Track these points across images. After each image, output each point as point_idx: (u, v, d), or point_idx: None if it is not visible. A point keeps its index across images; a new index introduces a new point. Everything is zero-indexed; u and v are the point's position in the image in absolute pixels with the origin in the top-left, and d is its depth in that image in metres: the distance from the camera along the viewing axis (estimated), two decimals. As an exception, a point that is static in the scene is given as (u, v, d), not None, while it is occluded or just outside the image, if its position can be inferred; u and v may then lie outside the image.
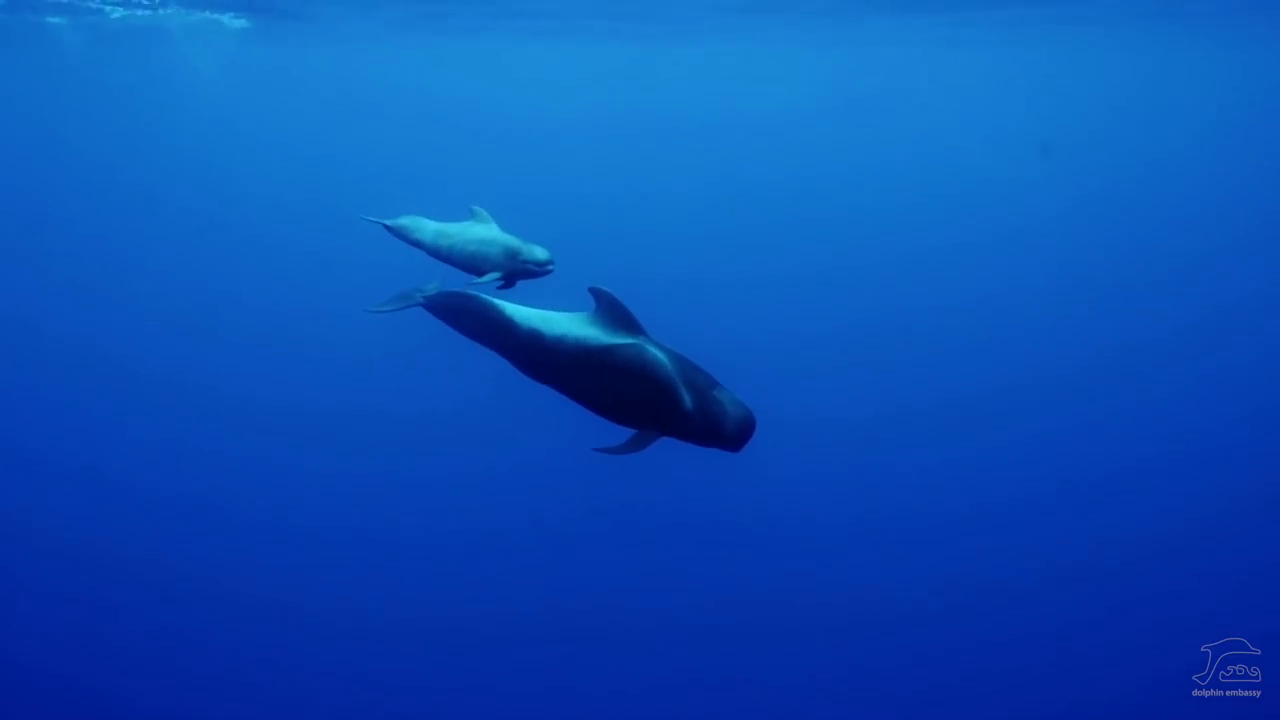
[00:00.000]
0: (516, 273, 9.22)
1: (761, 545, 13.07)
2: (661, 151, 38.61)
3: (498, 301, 7.43)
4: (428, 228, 9.98)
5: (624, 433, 6.77)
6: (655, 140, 40.76)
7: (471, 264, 9.43)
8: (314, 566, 12.73)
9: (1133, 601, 12.81)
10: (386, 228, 10.33)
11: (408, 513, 13.60)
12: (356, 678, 11.61)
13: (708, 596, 12.29)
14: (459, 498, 13.74)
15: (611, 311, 6.88)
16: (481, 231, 9.60)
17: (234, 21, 23.35)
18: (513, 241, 9.30)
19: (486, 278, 9.18)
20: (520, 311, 7.28)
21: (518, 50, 30.60)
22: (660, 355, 6.66)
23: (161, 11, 21.62)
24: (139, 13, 21.60)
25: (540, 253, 9.17)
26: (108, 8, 21.02)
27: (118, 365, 17.46)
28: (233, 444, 15.12)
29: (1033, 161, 36.15)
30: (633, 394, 6.63)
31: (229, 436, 15.29)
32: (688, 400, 6.48)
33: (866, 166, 38.01)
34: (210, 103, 41.79)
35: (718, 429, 6.45)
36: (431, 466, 14.32)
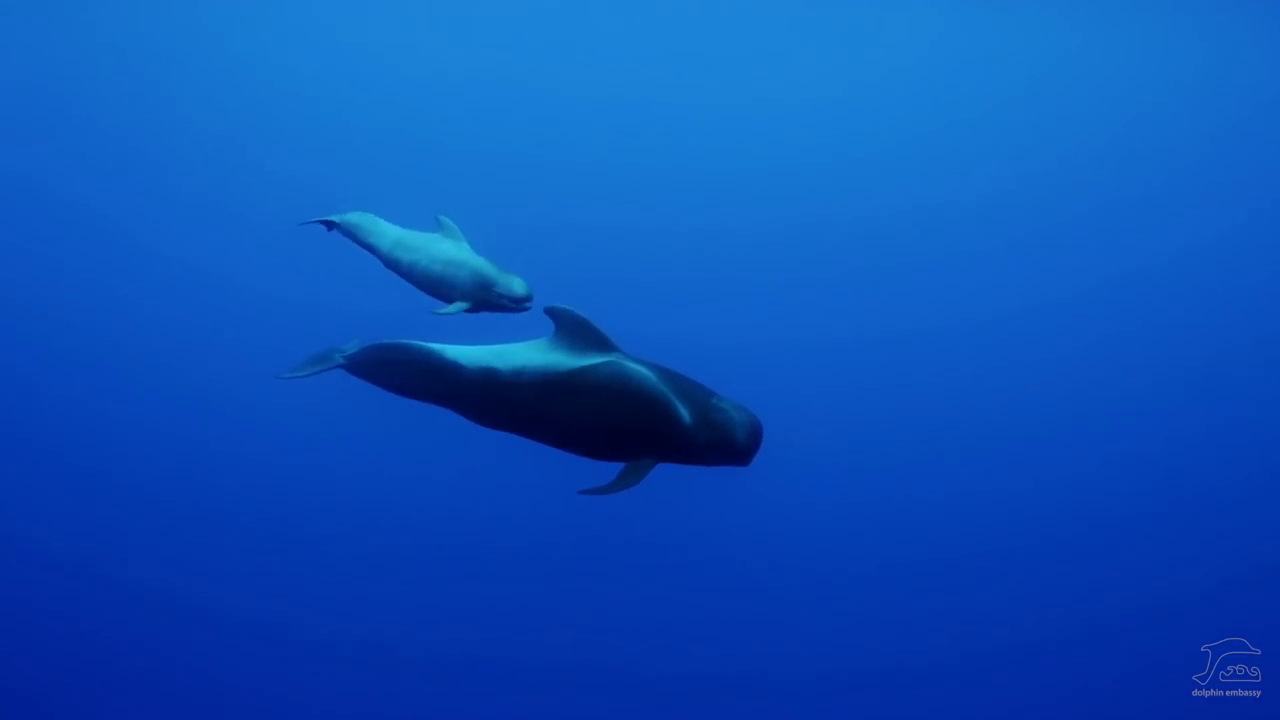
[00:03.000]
0: (487, 304, 8.08)
1: (796, 582, 11.71)
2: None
3: (434, 345, 6.47)
4: (387, 233, 8.76)
5: (608, 469, 5.80)
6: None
7: (434, 288, 8.28)
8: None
9: (1132, 601, 12.02)
10: (334, 225, 9.06)
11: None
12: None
13: (741, 645, 10.83)
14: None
15: (576, 331, 5.96)
16: (449, 250, 8.38)
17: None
18: (486, 267, 8.11)
19: (452, 307, 8.05)
20: (465, 351, 6.31)
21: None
22: (642, 369, 5.80)
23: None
24: None
25: (518, 286, 7.97)
26: None
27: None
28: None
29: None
30: (618, 418, 5.73)
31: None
32: (685, 414, 5.63)
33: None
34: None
35: (727, 440, 5.61)
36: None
